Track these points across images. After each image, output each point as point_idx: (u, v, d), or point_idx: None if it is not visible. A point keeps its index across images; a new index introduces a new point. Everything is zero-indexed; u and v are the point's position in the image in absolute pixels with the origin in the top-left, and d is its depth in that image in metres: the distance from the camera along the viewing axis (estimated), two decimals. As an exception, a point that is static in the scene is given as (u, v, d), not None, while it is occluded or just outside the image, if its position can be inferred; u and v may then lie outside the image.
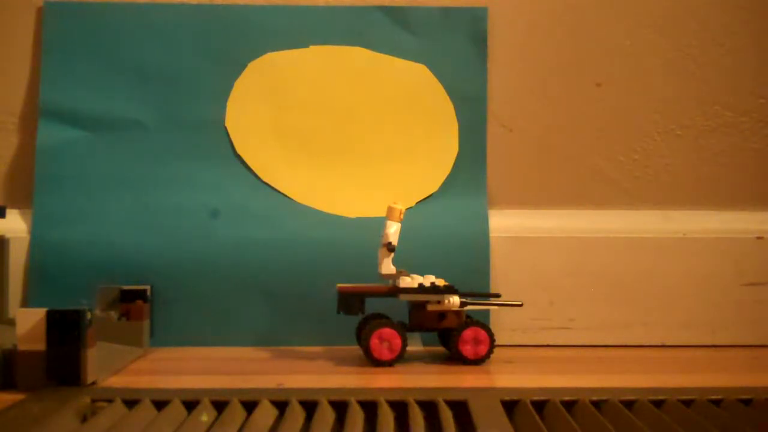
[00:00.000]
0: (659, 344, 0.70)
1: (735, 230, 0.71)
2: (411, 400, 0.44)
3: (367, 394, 0.45)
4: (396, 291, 0.60)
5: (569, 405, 0.44)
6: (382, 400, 0.44)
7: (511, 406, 0.44)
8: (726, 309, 0.70)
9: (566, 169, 0.73)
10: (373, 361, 0.59)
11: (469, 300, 0.61)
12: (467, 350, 0.60)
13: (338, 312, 0.60)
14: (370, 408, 0.43)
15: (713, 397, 0.45)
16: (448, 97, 0.71)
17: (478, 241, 0.69)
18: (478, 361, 0.60)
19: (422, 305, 0.60)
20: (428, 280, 0.60)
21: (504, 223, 0.71)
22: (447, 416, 0.42)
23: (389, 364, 0.59)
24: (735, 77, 0.73)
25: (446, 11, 0.72)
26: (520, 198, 0.73)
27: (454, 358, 0.60)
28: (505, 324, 0.69)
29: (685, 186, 0.73)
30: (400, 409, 0.43)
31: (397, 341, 0.59)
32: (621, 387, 0.48)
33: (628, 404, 0.44)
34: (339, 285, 0.61)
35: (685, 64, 0.73)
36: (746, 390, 0.47)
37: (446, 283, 0.60)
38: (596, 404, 0.44)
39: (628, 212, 0.73)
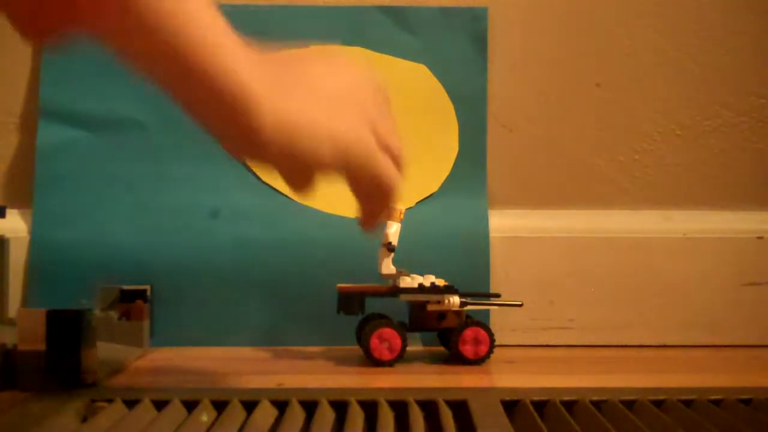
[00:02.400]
0: (659, 344, 0.70)
1: (735, 230, 0.71)
2: (411, 400, 0.44)
3: (367, 394, 0.44)
4: (396, 291, 0.60)
5: (569, 405, 0.44)
6: (382, 400, 0.44)
7: (511, 406, 0.44)
8: (726, 309, 0.70)
9: (566, 169, 0.73)
10: (373, 361, 0.59)
11: (469, 300, 0.61)
12: (467, 350, 0.60)
13: (338, 312, 0.60)
14: (370, 408, 0.43)
15: (713, 397, 0.45)
16: (448, 97, 0.71)
17: (478, 241, 0.69)
18: (478, 361, 0.60)
19: (422, 305, 0.60)
20: (428, 280, 0.60)
21: (504, 223, 0.71)
22: (447, 416, 0.42)
23: (389, 364, 0.59)
24: (735, 77, 0.73)
25: (446, 11, 0.72)
26: (520, 198, 0.73)
27: (454, 358, 0.60)
28: (505, 324, 0.69)
29: (685, 186, 0.73)
30: (400, 409, 0.43)
31: (397, 341, 0.59)
32: (621, 387, 0.48)
33: (628, 404, 0.44)
34: (339, 285, 0.61)
35: (685, 64, 0.73)
36: (746, 390, 0.47)
37: (446, 283, 0.60)
38: (596, 404, 0.44)
39: (628, 212, 0.73)
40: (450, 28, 0.71)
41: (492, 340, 0.60)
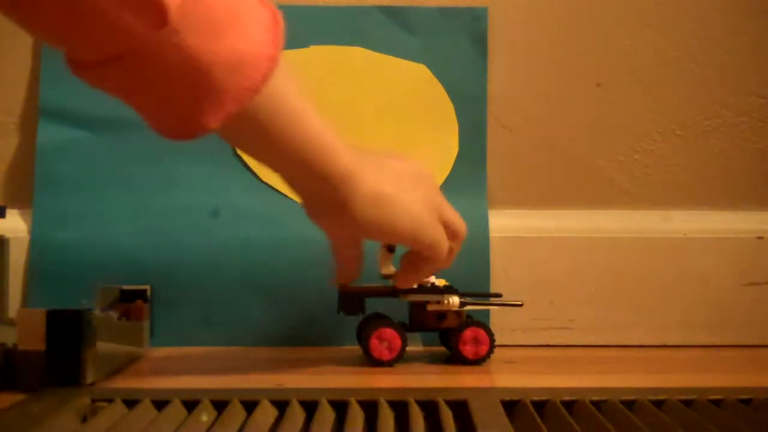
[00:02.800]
0: (659, 344, 0.70)
1: (735, 230, 0.71)
2: (411, 400, 0.44)
3: (367, 394, 0.45)
4: (396, 291, 0.60)
5: (569, 405, 0.44)
6: (382, 400, 0.44)
7: (511, 406, 0.44)
8: (726, 309, 0.70)
9: (566, 169, 0.73)
10: (373, 361, 0.59)
11: (469, 300, 0.61)
12: (467, 350, 0.60)
13: (338, 312, 0.60)
14: (370, 408, 0.43)
15: (713, 397, 0.45)
16: (448, 97, 0.71)
17: (478, 241, 0.69)
18: (479, 361, 0.60)
19: (422, 305, 0.60)
20: (428, 280, 0.60)
21: (504, 223, 0.71)
22: (447, 416, 0.42)
23: (389, 364, 0.59)
24: (735, 77, 0.73)
25: (446, 11, 0.72)
26: (520, 198, 0.73)
27: (454, 358, 0.60)
28: (505, 324, 0.69)
29: (685, 186, 0.73)
30: (400, 409, 0.43)
31: (397, 341, 0.59)
32: (621, 387, 0.48)
33: (628, 404, 0.44)
34: (339, 285, 0.61)
35: (685, 64, 0.73)
36: (746, 390, 0.47)
37: (446, 283, 0.60)
38: (596, 404, 0.44)
39: (628, 212, 0.73)
40: (450, 28, 0.71)
41: (492, 340, 0.60)
